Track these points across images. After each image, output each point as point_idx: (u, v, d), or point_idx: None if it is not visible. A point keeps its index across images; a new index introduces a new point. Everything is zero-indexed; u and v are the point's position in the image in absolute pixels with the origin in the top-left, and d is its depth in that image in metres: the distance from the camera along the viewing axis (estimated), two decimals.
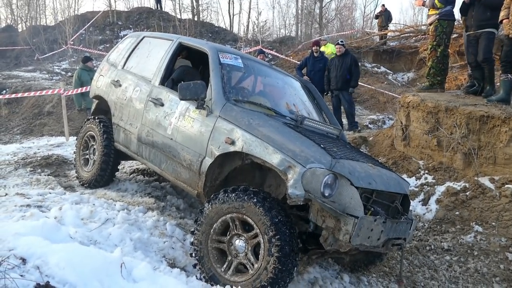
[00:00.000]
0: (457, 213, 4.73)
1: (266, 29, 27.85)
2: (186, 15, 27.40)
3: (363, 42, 16.16)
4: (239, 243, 2.94)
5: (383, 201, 3.28)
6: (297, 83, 4.65)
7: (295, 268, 2.84)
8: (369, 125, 9.59)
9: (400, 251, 3.41)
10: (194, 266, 3.09)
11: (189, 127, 3.54)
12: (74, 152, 5.14)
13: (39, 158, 5.90)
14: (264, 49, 11.95)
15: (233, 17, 29.73)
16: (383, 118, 10.19)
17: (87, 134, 4.84)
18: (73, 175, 5.25)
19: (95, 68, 8.45)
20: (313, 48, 8.91)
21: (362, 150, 5.64)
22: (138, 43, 4.76)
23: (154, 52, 4.48)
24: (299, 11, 29.28)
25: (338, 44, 8.23)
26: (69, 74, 16.13)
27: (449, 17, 6.12)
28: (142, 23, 23.96)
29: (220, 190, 3.07)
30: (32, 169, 5.42)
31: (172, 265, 3.28)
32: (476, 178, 4.94)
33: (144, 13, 25.65)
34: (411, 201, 4.06)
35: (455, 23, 7.21)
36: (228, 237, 2.98)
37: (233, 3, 30.56)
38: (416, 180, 5.42)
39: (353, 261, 3.93)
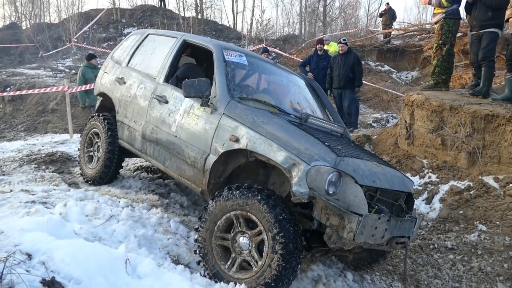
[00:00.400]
0: (461, 212, 4.72)
1: (269, 27, 27.85)
2: (190, 13, 27.51)
3: (367, 41, 16.08)
4: (243, 240, 2.94)
5: (387, 199, 3.27)
6: (301, 81, 4.64)
7: (299, 266, 2.84)
8: (373, 124, 9.57)
9: (404, 249, 3.41)
10: (198, 263, 3.09)
11: (193, 125, 3.54)
12: (78, 149, 5.16)
13: (43, 155, 5.92)
14: (268, 48, 11.91)
15: (236, 15, 29.83)
16: (386, 116, 10.17)
17: (92, 131, 4.85)
18: (77, 172, 5.27)
19: (99, 66, 8.48)
20: (317, 46, 8.89)
21: (366, 149, 5.63)
22: (143, 41, 4.76)
23: (159, 49, 4.47)
24: (303, 9, 29.31)
25: (340, 42, 8.19)
26: (73, 71, 16.17)
27: (455, 16, 6.08)
28: (145, 21, 24.00)
29: (224, 187, 3.07)
30: (36, 166, 5.45)
31: (176, 261, 3.28)
32: (480, 177, 4.93)
33: (147, 11, 25.70)
34: (415, 199, 4.05)
35: (460, 22, 7.16)
36: (232, 234, 2.98)
37: (237, 1, 30.63)
38: (420, 178, 5.41)
39: (356, 259, 3.93)
